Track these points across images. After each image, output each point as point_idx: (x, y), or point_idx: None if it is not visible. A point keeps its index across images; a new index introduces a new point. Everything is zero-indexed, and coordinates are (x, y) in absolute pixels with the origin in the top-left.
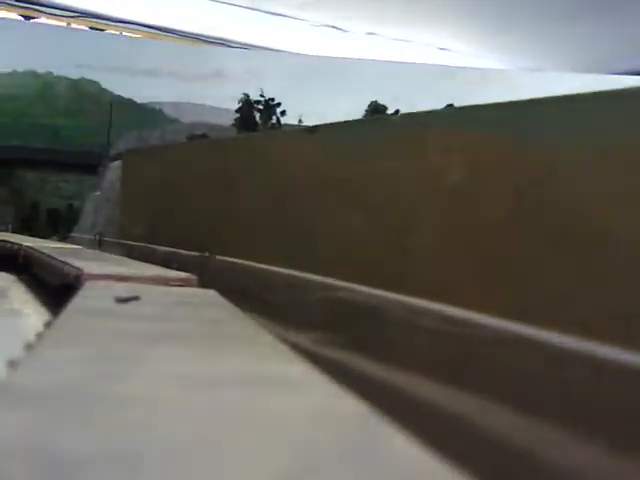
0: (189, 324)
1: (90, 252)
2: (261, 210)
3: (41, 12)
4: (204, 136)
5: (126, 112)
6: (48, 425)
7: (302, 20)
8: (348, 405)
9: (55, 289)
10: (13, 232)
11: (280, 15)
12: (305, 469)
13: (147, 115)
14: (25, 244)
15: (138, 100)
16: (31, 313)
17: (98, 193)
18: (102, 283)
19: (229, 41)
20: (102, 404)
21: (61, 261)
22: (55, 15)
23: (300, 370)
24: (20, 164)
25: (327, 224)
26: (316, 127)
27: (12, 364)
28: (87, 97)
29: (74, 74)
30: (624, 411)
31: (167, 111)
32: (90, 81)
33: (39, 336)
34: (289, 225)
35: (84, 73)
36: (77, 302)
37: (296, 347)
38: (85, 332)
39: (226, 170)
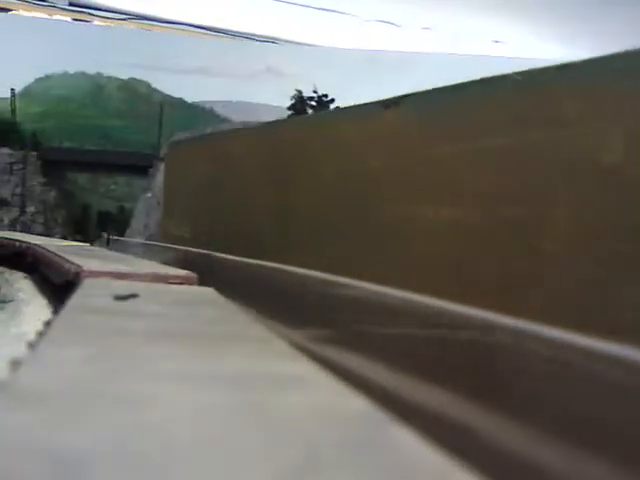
0: (187, 322)
1: (97, 250)
2: (341, 205)
3: (94, 15)
4: None
5: (176, 112)
6: (48, 424)
7: (355, 16)
8: (350, 403)
9: (58, 286)
10: (63, 237)
11: (332, 11)
12: (305, 467)
13: (197, 114)
14: (34, 242)
15: (188, 99)
16: (36, 310)
17: (149, 195)
18: (101, 281)
19: (280, 39)
20: (100, 403)
21: (63, 258)
22: (107, 18)
23: (301, 368)
24: (71, 166)
25: (427, 220)
26: (396, 99)
27: (13, 364)
28: (137, 97)
29: (124, 74)
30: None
31: (218, 110)
32: (140, 81)
33: (39, 335)
34: (380, 224)
35: (134, 73)
36: (76, 300)
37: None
38: (84, 330)
39: (293, 157)
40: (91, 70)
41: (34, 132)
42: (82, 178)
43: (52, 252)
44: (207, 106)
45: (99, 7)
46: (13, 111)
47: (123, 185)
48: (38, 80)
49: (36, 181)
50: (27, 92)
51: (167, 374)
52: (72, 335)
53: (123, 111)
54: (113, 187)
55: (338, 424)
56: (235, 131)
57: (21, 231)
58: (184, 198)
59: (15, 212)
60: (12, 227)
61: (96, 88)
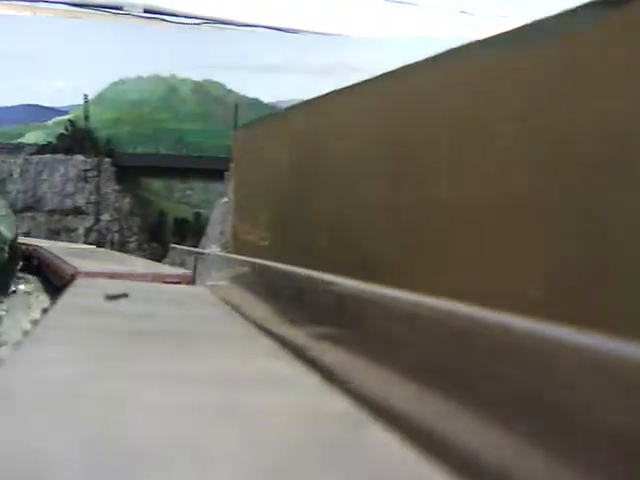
0: (175, 321)
1: (101, 252)
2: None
3: (168, 22)
4: None
5: (252, 113)
6: (27, 425)
7: (426, 5)
8: (331, 403)
9: (57, 286)
10: (139, 245)
11: (402, 2)
12: (285, 468)
13: None
14: (40, 245)
15: (264, 100)
16: (36, 309)
17: (225, 200)
18: (95, 280)
19: (348, 34)
20: (78, 403)
21: (61, 260)
22: (182, 23)
23: (287, 368)
24: (146, 172)
25: None
26: None
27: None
28: (212, 99)
29: (198, 76)
30: None
31: None
32: (214, 82)
33: (25, 334)
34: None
35: (208, 74)
36: (66, 300)
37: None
38: (70, 330)
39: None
40: (165, 73)
41: (108, 138)
42: (157, 184)
43: (54, 255)
44: (283, 105)
45: (173, 13)
46: (87, 117)
47: (199, 191)
48: (112, 85)
49: (110, 188)
50: (101, 98)
51: (149, 374)
52: (56, 334)
53: (197, 114)
54: (189, 193)
55: (317, 424)
56: (332, 93)
57: (96, 240)
58: (259, 194)
59: (90, 220)
60: (87, 236)
61: (170, 91)
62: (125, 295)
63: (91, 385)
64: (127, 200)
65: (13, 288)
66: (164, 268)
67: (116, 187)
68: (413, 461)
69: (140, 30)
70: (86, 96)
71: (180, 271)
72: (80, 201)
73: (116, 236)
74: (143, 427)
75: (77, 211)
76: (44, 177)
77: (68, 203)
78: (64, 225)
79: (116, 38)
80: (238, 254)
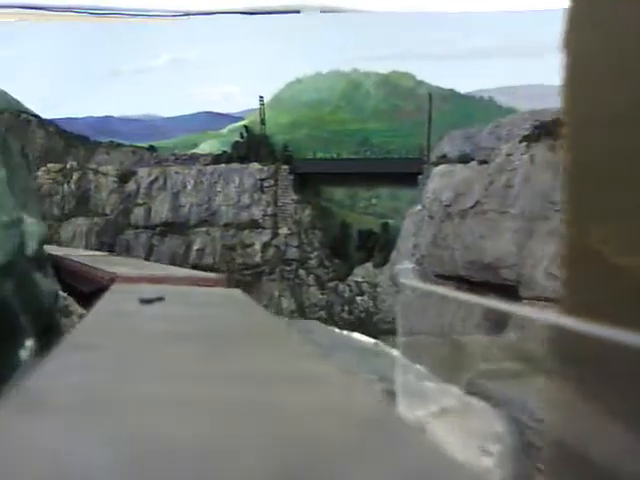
0: (209, 323)
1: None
2: None
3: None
4: (553, 124)
5: (447, 106)
6: (66, 429)
7: None
8: (364, 402)
9: (93, 293)
10: (319, 262)
11: None
12: (312, 463)
13: (474, 107)
14: (66, 254)
15: (461, 90)
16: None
17: (418, 208)
18: (132, 286)
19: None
20: (115, 403)
21: (95, 267)
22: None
23: (324, 369)
24: (326, 180)
25: None
26: None
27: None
28: (399, 93)
29: (383, 68)
30: None
31: (499, 99)
32: (403, 74)
33: (63, 337)
34: None
35: (395, 65)
36: (103, 304)
37: None
38: (108, 333)
39: None
40: (346, 67)
41: (285, 144)
42: (339, 193)
43: (86, 263)
44: (485, 95)
45: (353, 9)
46: (263, 121)
47: (386, 199)
48: (288, 85)
49: (289, 198)
50: (276, 100)
51: (183, 374)
52: (93, 338)
53: (383, 111)
54: (374, 201)
55: (347, 422)
56: None
57: (275, 255)
58: None
59: (267, 235)
60: (264, 252)
61: (352, 87)
62: (161, 299)
63: (130, 388)
64: (307, 211)
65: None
66: (197, 273)
67: (294, 197)
68: (443, 461)
69: (317, 27)
70: (261, 98)
71: (213, 275)
72: (256, 214)
73: (295, 252)
74: (176, 425)
75: (253, 225)
76: (218, 188)
77: (244, 216)
78: (240, 240)
79: (291, 37)
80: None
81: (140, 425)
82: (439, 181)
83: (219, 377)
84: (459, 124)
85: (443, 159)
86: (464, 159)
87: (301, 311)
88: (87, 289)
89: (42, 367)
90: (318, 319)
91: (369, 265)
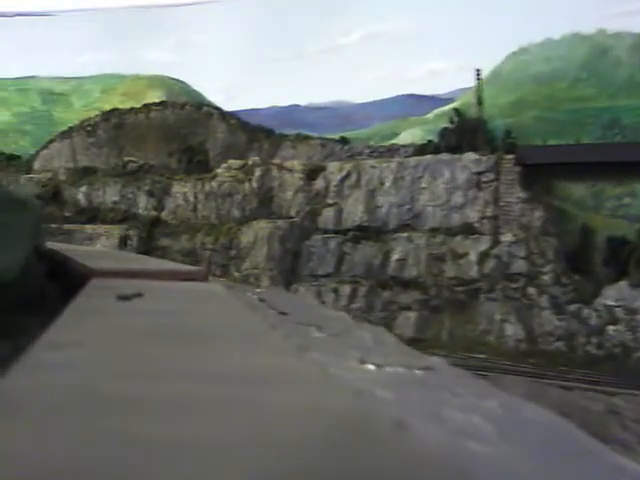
0: (186, 319)
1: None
2: None
3: None
4: None
5: None
6: (43, 430)
7: None
8: (342, 401)
9: (73, 288)
10: (555, 277)
11: None
12: (293, 463)
13: None
14: (63, 248)
15: None
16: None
17: None
18: (110, 280)
19: None
20: (93, 404)
21: (75, 261)
22: None
23: (301, 366)
24: (562, 172)
25: None
26: None
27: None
28: None
29: (637, 27)
30: None
31: None
32: None
33: (38, 336)
34: None
35: None
36: (80, 300)
37: None
38: (85, 331)
39: None
40: (588, 28)
41: (507, 129)
42: (578, 189)
43: (69, 256)
44: None
45: None
46: (480, 102)
47: None
48: (509, 57)
49: (514, 197)
50: (494, 76)
51: (161, 373)
52: (71, 335)
53: (639, 82)
54: (627, 201)
55: (324, 420)
56: None
57: (496, 268)
58: None
59: (485, 242)
60: (481, 264)
61: (596, 54)
62: (139, 295)
63: (112, 387)
64: (537, 213)
65: None
66: (176, 265)
67: (521, 195)
68: (422, 457)
69: None
70: (478, 72)
71: (193, 268)
72: (471, 216)
73: (522, 264)
74: (155, 425)
75: (467, 229)
76: (423, 185)
77: (455, 218)
78: (450, 249)
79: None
80: None
81: (117, 425)
82: None
83: (197, 375)
84: None
85: None
86: None
87: (531, 341)
88: (64, 283)
89: (16, 366)
90: (552, 353)
91: (623, 284)
